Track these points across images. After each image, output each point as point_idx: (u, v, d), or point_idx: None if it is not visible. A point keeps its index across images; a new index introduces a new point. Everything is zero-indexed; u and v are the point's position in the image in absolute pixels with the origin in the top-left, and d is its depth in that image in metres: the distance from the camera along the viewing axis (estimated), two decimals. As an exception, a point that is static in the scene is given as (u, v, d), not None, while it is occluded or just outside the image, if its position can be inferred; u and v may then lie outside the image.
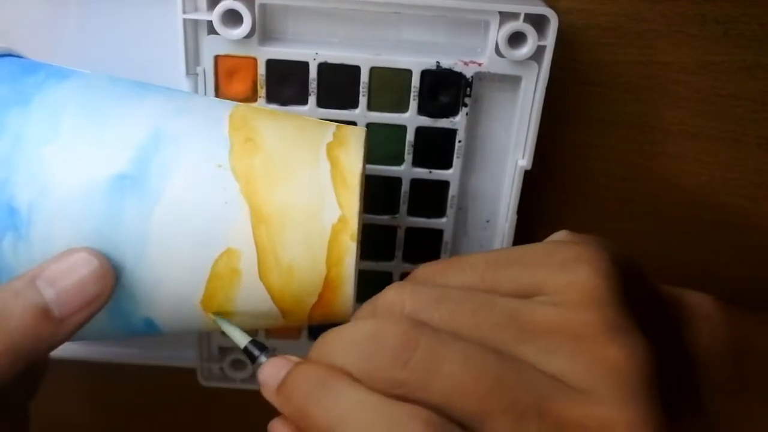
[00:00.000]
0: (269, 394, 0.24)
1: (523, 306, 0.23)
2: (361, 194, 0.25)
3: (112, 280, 0.24)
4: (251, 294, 0.25)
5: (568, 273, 0.24)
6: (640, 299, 0.25)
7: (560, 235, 0.27)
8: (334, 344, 0.23)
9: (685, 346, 0.27)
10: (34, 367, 0.31)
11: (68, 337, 0.24)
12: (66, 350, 0.39)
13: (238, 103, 0.27)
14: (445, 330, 0.23)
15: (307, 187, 0.25)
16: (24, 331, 0.23)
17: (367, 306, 0.25)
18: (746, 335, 0.29)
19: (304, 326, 0.38)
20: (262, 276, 0.25)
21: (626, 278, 0.24)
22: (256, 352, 0.25)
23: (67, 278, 0.23)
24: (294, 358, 0.24)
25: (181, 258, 0.24)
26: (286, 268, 0.25)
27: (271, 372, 0.24)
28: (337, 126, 0.27)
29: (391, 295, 0.24)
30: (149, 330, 0.26)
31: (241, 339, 0.26)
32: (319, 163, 0.25)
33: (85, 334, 0.25)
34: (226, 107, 0.27)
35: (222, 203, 0.24)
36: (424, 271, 0.26)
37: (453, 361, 0.22)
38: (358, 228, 0.25)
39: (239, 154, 0.25)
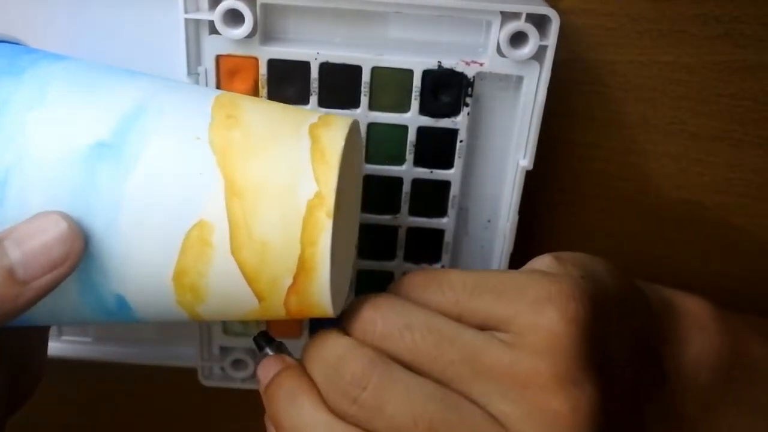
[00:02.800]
0: (261, 391, 0.27)
1: (482, 344, 0.24)
2: (345, 178, 0.25)
3: (81, 243, 0.23)
4: (223, 270, 0.24)
5: (534, 315, 0.24)
6: (613, 330, 0.25)
7: (543, 262, 0.27)
8: (314, 355, 0.26)
9: (672, 355, 0.27)
10: (17, 381, 0.30)
11: (33, 302, 0.23)
12: (66, 350, 0.39)
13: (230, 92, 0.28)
14: (406, 359, 0.24)
15: (284, 161, 0.24)
16: None
17: (350, 314, 0.26)
18: (739, 343, 0.29)
19: (301, 323, 0.38)
20: (234, 251, 0.24)
21: (597, 317, 0.24)
22: (262, 343, 0.28)
23: (34, 239, 0.23)
24: (288, 360, 0.27)
25: (153, 228, 0.24)
26: (259, 244, 0.24)
27: (265, 370, 0.27)
28: (326, 112, 0.27)
29: (367, 314, 0.25)
30: (122, 312, 0.26)
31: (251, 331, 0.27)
32: (300, 139, 0.25)
33: (58, 313, 0.25)
34: (216, 91, 0.27)
35: (197, 174, 0.24)
36: (409, 282, 0.27)
37: (396, 403, 0.24)
38: (354, 231, 0.25)
39: (219, 127, 0.25)
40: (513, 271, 0.27)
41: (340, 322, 0.27)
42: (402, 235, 0.36)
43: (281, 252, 0.24)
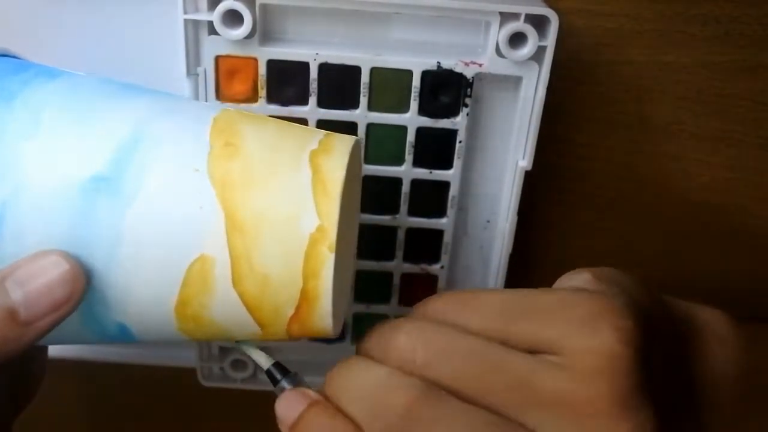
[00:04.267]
0: (284, 429, 0.25)
1: (533, 369, 0.23)
2: (345, 204, 0.25)
3: (82, 284, 0.23)
4: (225, 302, 0.24)
5: (587, 336, 0.23)
6: (655, 347, 0.24)
7: (581, 278, 0.26)
8: (346, 387, 0.24)
9: (694, 369, 0.27)
10: (20, 384, 0.30)
11: (36, 340, 0.23)
12: (66, 350, 0.39)
13: (228, 107, 0.27)
14: (453, 387, 0.23)
15: (285, 194, 0.24)
16: None
17: (379, 341, 0.25)
18: (756, 354, 0.28)
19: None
20: (236, 284, 0.24)
21: (647, 336, 0.23)
22: (278, 376, 0.26)
23: (36, 280, 0.23)
24: (311, 394, 0.25)
25: (154, 263, 0.24)
26: (261, 277, 0.24)
27: (288, 407, 0.25)
28: (326, 134, 0.26)
29: (403, 343, 0.24)
30: (124, 337, 0.26)
31: (265, 362, 0.26)
32: (300, 169, 0.24)
33: (60, 338, 0.25)
34: (214, 110, 0.26)
35: (197, 208, 0.23)
36: (438, 306, 0.25)
37: (452, 430, 0.22)
38: (353, 240, 0.25)
39: (217, 158, 0.24)
40: (553, 290, 0.25)
41: (363, 349, 0.25)
42: (401, 235, 0.36)
43: (283, 284, 0.24)
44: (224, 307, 0.24)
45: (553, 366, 0.23)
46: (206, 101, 0.33)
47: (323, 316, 0.25)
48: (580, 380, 0.22)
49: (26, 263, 0.23)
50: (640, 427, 0.22)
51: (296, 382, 0.26)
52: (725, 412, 0.27)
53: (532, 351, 0.23)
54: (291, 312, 0.25)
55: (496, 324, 0.24)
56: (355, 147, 0.26)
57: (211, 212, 0.24)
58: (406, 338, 0.24)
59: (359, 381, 0.24)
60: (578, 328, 0.23)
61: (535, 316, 0.24)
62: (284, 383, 0.25)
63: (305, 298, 0.24)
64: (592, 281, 0.25)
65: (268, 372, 0.26)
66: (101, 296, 0.24)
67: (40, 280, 0.23)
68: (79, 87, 0.25)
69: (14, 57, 0.28)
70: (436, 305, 0.25)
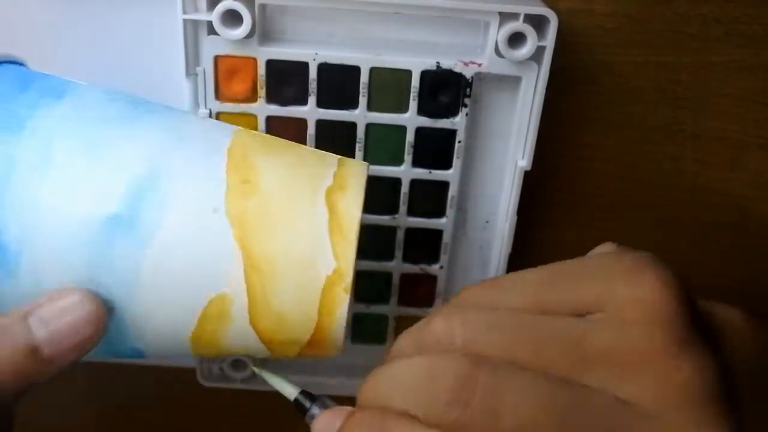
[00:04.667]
0: None
1: (583, 329, 0.22)
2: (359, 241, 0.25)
3: (105, 322, 0.24)
4: (241, 335, 0.25)
5: (631, 286, 0.22)
6: (696, 309, 0.24)
7: (608, 246, 0.25)
8: (387, 386, 0.22)
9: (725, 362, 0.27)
10: None
11: (55, 374, 0.23)
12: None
13: (238, 128, 0.27)
14: (503, 360, 0.22)
15: (302, 236, 0.24)
16: (12, 368, 0.22)
17: (411, 337, 0.24)
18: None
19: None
20: (253, 321, 0.25)
21: (688, 287, 0.23)
22: (307, 404, 0.25)
23: (60, 319, 0.23)
24: (346, 409, 0.24)
25: (172, 300, 0.24)
26: (277, 314, 0.24)
27: (326, 424, 0.24)
28: (338, 163, 0.26)
29: (439, 326, 0.23)
30: (136, 356, 0.26)
31: (291, 391, 0.25)
32: (317, 210, 0.24)
33: None
34: (226, 136, 0.26)
35: (215, 248, 0.24)
36: (470, 292, 0.25)
37: (518, 394, 0.21)
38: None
39: (235, 196, 0.24)
40: (583, 258, 0.25)
41: (393, 352, 0.24)
42: (400, 235, 0.36)
43: (299, 322, 0.25)
44: (240, 339, 0.25)
45: (602, 323, 0.22)
46: (206, 101, 0.33)
47: (334, 345, 0.25)
48: (632, 331, 0.22)
49: (49, 301, 0.23)
50: (700, 364, 0.22)
51: (326, 405, 0.25)
52: (747, 408, 0.27)
53: (577, 314, 0.23)
54: (304, 341, 0.25)
55: (535, 295, 0.23)
56: (366, 178, 0.26)
57: (230, 253, 0.24)
58: (443, 322, 0.23)
59: (399, 375, 0.22)
60: (620, 280, 0.23)
61: (573, 280, 0.23)
62: (314, 409, 0.25)
63: (319, 331, 0.25)
64: (620, 247, 0.25)
65: (296, 401, 0.25)
66: (118, 327, 0.24)
67: (64, 320, 0.23)
68: (86, 109, 0.25)
69: (15, 63, 0.27)
70: (468, 291, 0.25)
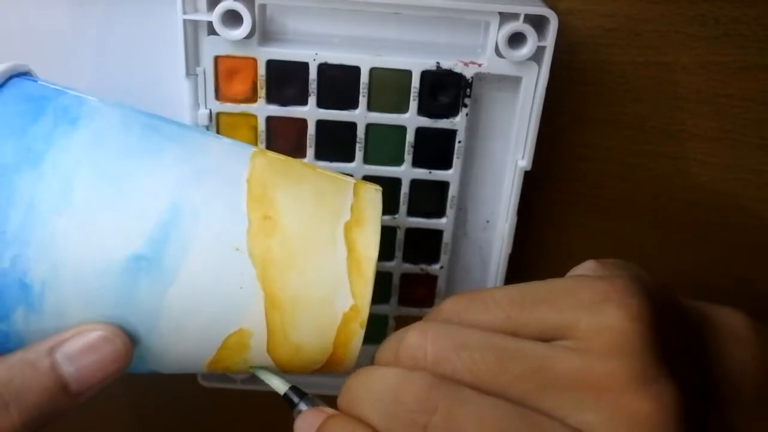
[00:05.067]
0: None
1: (547, 354, 0.23)
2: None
3: (130, 357, 0.24)
4: (257, 361, 0.26)
5: (595, 316, 0.23)
6: (670, 331, 0.24)
7: (587, 266, 0.26)
8: (359, 394, 0.24)
9: (713, 367, 0.27)
10: None
11: (79, 405, 0.24)
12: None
13: (253, 150, 0.27)
14: (467, 380, 0.22)
15: (322, 275, 0.25)
16: (41, 403, 0.23)
17: (390, 345, 0.25)
18: None
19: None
20: (270, 351, 0.25)
21: (658, 314, 0.23)
22: (295, 399, 0.26)
23: (87, 356, 0.23)
24: (328, 410, 0.25)
25: (193, 334, 0.25)
26: (295, 346, 0.25)
27: (308, 422, 0.25)
28: (354, 192, 0.27)
29: (414, 340, 0.24)
30: (150, 373, 0.27)
31: (281, 386, 0.26)
32: (336, 248, 0.25)
33: None
34: (243, 164, 0.26)
35: (238, 288, 0.24)
36: (448, 306, 0.26)
37: (471, 424, 0.21)
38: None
39: (257, 234, 0.24)
40: (558, 279, 0.25)
41: (374, 359, 0.25)
42: (401, 235, 0.36)
43: (314, 352, 0.26)
44: (255, 363, 0.26)
45: (566, 349, 0.23)
46: (206, 102, 0.33)
47: (348, 366, 0.26)
48: (595, 359, 0.22)
49: (75, 337, 0.23)
50: (661, 398, 0.22)
51: (313, 403, 0.26)
52: (746, 409, 0.27)
53: (543, 339, 0.23)
54: (317, 367, 0.26)
55: (504, 316, 0.24)
56: (381, 206, 0.27)
57: (251, 292, 0.24)
58: (416, 337, 0.24)
59: (371, 386, 0.23)
60: (586, 310, 0.23)
61: (542, 305, 0.24)
62: (302, 405, 0.26)
63: (332, 359, 0.26)
64: (597, 268, 0.26)
65: (285, 396, 0.26)
66: (139, 355, 0.25)
67: (91, 357, 0.23)
68: (104, 138, 0.25)
69: (23, 75, 0.27)
70: (444, 307, 0.26)
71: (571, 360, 0.22)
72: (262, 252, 0.24)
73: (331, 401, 0.26)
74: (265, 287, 0.24)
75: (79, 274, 0.23)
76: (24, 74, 0.26)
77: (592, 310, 0.23)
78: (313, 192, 0.26)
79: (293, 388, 0.26)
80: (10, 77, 0.26)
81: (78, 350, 0.23)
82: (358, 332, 0.25)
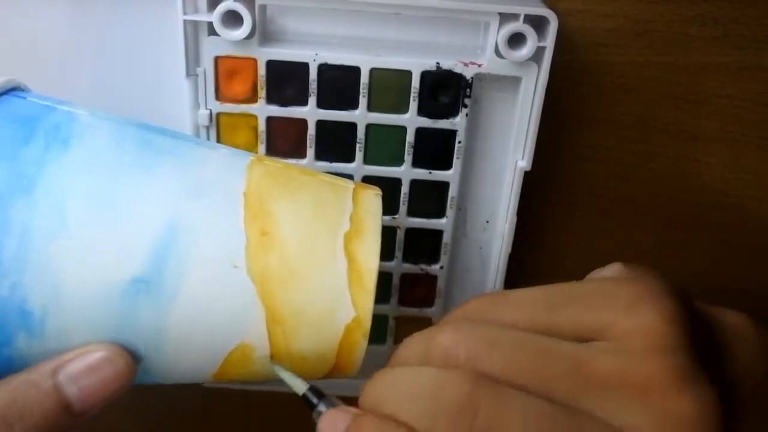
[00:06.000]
0: None
1: (585, 354, 0.22)
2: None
3: (133, 375, 0.24)
4: (261, 373, 0.26)
5: (632, 317, 0.23)
6: (697, 333, 0.24)
7: (614, 269, 0.26)
8: (392, 394, 0.23)
9: (726, 369, 0.27)
10: None
11: (83, 422, 0.24)
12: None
13: (250, 159, 0.26)
14: (504, 379, 0.22)
15: (323, 289, 0.25)
16: (45, 425, 0.23)
17: (417, 345, 0.24)
18: None
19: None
20: (274, 362, 0.25)
21: (690, 316, 0.23)
22: (314, 400, 0.25)
23: (90, 377, 0.23)
24: (351, 409, 0.24)
25: (195, 351, 0.25)
26: (298, 357, 0.25)
27: (331, 423, 0.24)
28: (353, 199, 0.26)
29: (446, 339, 0.23)
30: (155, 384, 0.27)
31: (300, 386, 0.26)
32: (336, 261, 0.25)
33: None
34: (240, 176, 0.25)
35: (238, 305, 0.24)
36: (477, 304, 0.25)
37: (518, 418, 0.21)
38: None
39: (255, 251, 0.24)
40: (589, 281, 0.25)
41: (397, 359, 0.25)
42: (400, 235, 0.36)
43: (318, 363, 0.26)
44: (260, 375, 0.26)
45: (604, 350, 0.22)
46: (206, 102, 0.33)
47: (349, 376, 0.27)
48: (635, 360, 0.22)
49: (78, 358, 0.23)
50: (703, 399, 0.22)
51: (333, 404, 0.25)
52: (754, 413, 0.27)
53: (577, 340, 0.23)
54: (320, 376, 0.26)
55: (539, 316, 0.24)
56: (381, 214, 0.27)
57: (252, 308, 0.24)
58: (449, 336, 0.23)
59: (405, 385, 0.23)
60: (621, 311, 0.23)
61: (577, 305, 0.23)
62: (321, 407, 0.25)
63: (336, 368, 0.26)
64: (625, 270, 0.26)
65: (304, 396, 0.26)
66: (143, 370, 0.25)
67: (94, 378, 0.23)
68: (96, 158, 0.24)
69: (12, 92, 0.26)
70: (472, 305, 0.25)
71: (610, 360, 0.22)
72: (261, 268, 0.24)
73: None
74: (266, 303, 0.24)
75: (78, 299, 0.23)
76: (13, 90, 0.26)
77: (628, 312, 0.23)
78: (311, 203, 0.26)
79: (312, 389, 0.26)
80: (9, 90, 0.25)
81: (80, 371, 0.23)
82: (361, 342, 0.25)
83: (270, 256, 0.24)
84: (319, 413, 0.25)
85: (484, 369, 0.22)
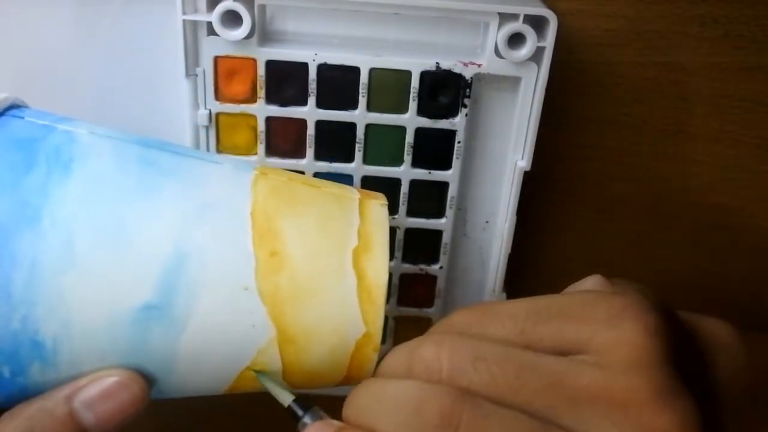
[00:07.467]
0: None
1: (566, 368, 0.22)
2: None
3: (147, 398, 0.24)
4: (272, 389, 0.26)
5: (614, 330, 0.23)
6: (679, 345, 0.24)
7: (594, 281, 0.26)
8: (372, 406, 0.23)
9: (708, 378, 0.27)
10: None
11: None
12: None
13: (255, 173, 0.26)
14: (485, 394, 0.22)
15: (333, 306, 0.25)
16: None
17: (401, 358, 0.24)
18: (762, 363, 0.28)
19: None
20: (286, 378, 0.25)
21: (671, 330, 0.23)
22: (300, 412, 0.25)
23: (105, 403, 0.23)
24: (336, 423, 0.24)
25: (208, 372, 0.25)
26: (309, 374, 0.25)
27: None
28: (360, 214, 0.26)
29: (429, 352, 0.23)
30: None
31: (285, 397, 0.26)
32: (345, 277, 0.25)
33: None
34: (245, 194, 0.25)
35: (250, 326, 0.24)
36: (461, 317, 0.25)
37: None
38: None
39: (265, 273, 0.24)
40: (571, 293, 0.25)
41: (380, 371, 0.25)
42: (400, 235, 0.36)
43: (329, 376, 0.26)
44: (270, 389, 0.26)
45: (585, 364, 0.23)
46: (206, 102, 0.33)
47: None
48: (615, 374, 0.22)
49: (92, 384, 0.23)
50: (681, 413, 0.22)
51: (318, 416, 0.25)
52: (736, 420, 0.27)
53: (558, 354, 0.23)
54: (331, 386, 0.26)
55: (518, 330, 0.24)
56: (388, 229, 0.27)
57: (264, 328, 0.24)
58: (431, 348, 0.24)
59: (386, 398, 0.23)
60: (602, 324, 0.23)
61: (557, 319, 0.24)
62: (307, 419, 0.25)
63: (347, 381, 0.26)
64: (605, 283, 0.26)
65: (290, 408, 0.26)
66: (156, 391, 0.25)
67: (109, 404, 0.23)
68: (100, 184, 0.24)
69: (9, 111, 0.25)
70: (455, 319, 0.26)
71: (590, 374, 0.22)
72: (272, 289, 0.24)
73: (326, 400, 0.26)
74: (277, 323, 0.24)
75: (89, 328, 0.23)
76: (9, 108, 0.25)
77: (609, 325, 0.23)
78: (318, 219, 0.26)
79: (297, 401, 0.26)
80: (9, 108, 0.25)
81: (95, 397, 0.23)
82: (372, 357, 0.25)
83: (280, 277, 0.24)
84: (305, 425, 0.25)
85: (465, 383, 0.23)
